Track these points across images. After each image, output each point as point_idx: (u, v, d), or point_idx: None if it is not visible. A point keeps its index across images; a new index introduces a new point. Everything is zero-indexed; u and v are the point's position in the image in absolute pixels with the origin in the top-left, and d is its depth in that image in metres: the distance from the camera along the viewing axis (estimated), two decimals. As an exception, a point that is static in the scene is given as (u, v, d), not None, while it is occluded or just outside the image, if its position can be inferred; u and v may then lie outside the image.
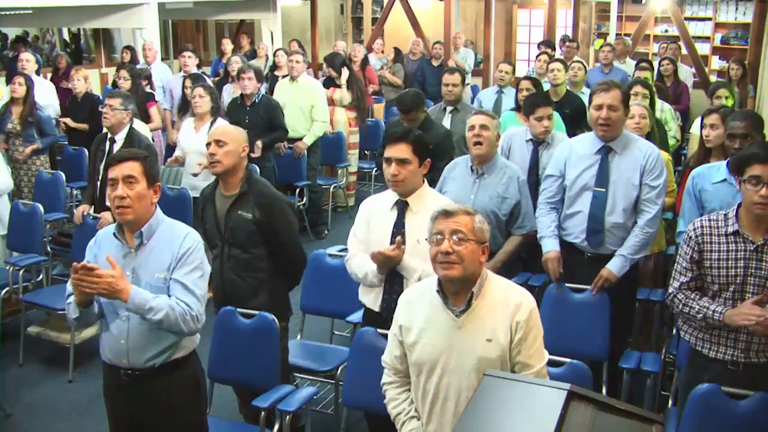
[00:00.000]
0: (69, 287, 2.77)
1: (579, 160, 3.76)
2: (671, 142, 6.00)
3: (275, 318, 3.42)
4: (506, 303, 2.49)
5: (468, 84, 9.46)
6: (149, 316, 2.61)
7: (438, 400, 2.53)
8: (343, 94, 7.34)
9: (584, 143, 3.81)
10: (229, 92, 7.34)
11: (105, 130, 5.12)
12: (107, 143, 5.08)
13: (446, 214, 2.50)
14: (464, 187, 3.97)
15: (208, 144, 3.47)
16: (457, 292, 2.51)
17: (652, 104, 5.29)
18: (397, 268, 3.16)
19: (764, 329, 2.75)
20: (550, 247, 3.79)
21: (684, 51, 9.78)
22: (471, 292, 2.49)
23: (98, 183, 5.11)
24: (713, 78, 10.92)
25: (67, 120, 6.77)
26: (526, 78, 5.83)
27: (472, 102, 7.42)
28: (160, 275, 2.71)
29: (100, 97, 6.78)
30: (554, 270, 3.75)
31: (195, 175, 5.37)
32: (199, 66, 8.18)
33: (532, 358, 2.48)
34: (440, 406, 2.53)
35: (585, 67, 7.10)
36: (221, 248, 3.54)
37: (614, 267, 3.66)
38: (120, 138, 5.04)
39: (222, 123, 5.51)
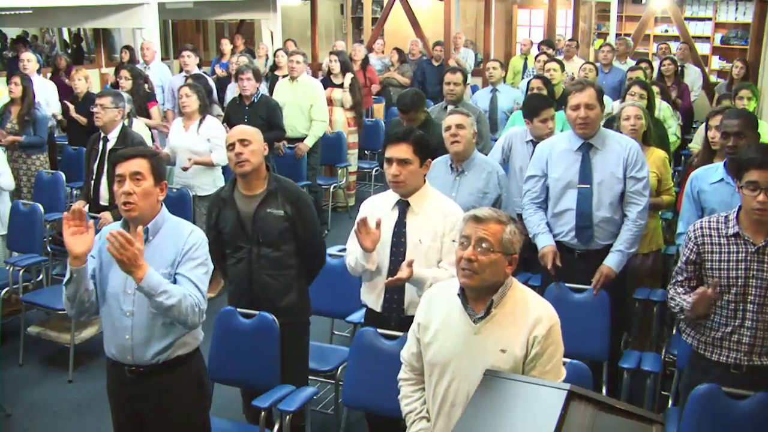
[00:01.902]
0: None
1: (560, 158, 3.80)
2: (672, 139, 5.99)
3: (302, 315, 3.47)
4: (526, 315, 2.42)
5: (468, 84, 9.47)
6: (161, 299, 2.58)
7: (446, 404, 2.49)
8: (345, 97, 7.35)
9: (564, 142, 3.84)
10: (233, 91, 7.34)
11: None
12: (100, 142, 5.09)
13: (477, 219, 2.42)
14: (445, 186, 3.98)
15: (231, 145, 3.39)
16: (478, 299, 2.46)
17: (651, 104, 5.29)
18: (408, 282, 3.12)
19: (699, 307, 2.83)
20: (545, 242, 3.81)
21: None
22: (491, 300, 2.44)
23: (92, 182, 5.12)
24: (713, 78, 10.92)
25: (70, 106, 6.71)
26: (536, 77, 5.82)
27: (472, 102, 7.42)
28: (164, 271, 2.71)
29: (101, 98, 6.76)
30: (551, 263, 3.76)
31: (185, 169, 5.39)
32: (200, 66, 8.18)
33: (547, 375, 2.38)
34: (448, 410, 2.48)
35: (596, 68, 7.03)
36: (248, 249, 3.47)
37: (612, 263, 3.69)
38: (113, 137, 5.05)
39: (212, 120, 5.55)
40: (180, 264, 2.73)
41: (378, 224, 3.12)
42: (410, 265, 3.05)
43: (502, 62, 7.17)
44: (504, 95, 6.64)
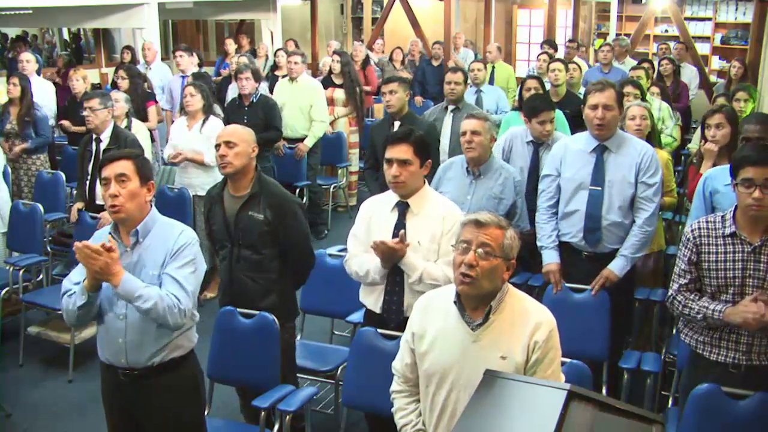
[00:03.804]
0: (65, 285, 2.78)
1: (574, 158, 3.78)
2: (667, 140, 5.98)
3: (284, 318, 3.43)
4: (525, 320, 2.40)
5: (469, 83, 9.47)
6: (137, 304, 2.62)
7: (445, 415, 2.45)
8: (343, 108, 7.35)
9: (579, 142, 3.83)
10: (235, 91, 7.33)
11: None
12: (93, 143, 5.10)
13: (477, 224, 2.38)
14: (461, 188, 3.98)
15: (218, 145, 3.41)
16: (476, 307, 2.43)
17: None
18: (399, 264, 3.14)
19: (758, 324, 2.73)
20: (551, 258, 3.81)
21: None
22: (489, 306, 2.41)
23: (87, 184, 5.12)
24: (713, 78, 10.92)
25: (66, 123, 6.75)
26: (532, 77, 5.81)
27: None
28: (155, 272, 2.72)
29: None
30: (556, 282, 3.77)
31: (173, 162, 5.38)
32: (201, 65, 8.17)
33: (548, 379, 2.35)
34: (447, 420, 2.44)
35: (580, 67, 7.10)
36: (230, 249, 3.48)
37: (616, 267, 3.67)
38: (105, 137, 5.07)
39: (215, 121, 5.53)
40: (167, 264, 2.72)
41: (402, 238, 3.09)
42: (402, 240, 3.06)
43: (485, 63, 7.25)
44: (488, 96, 6.67)
